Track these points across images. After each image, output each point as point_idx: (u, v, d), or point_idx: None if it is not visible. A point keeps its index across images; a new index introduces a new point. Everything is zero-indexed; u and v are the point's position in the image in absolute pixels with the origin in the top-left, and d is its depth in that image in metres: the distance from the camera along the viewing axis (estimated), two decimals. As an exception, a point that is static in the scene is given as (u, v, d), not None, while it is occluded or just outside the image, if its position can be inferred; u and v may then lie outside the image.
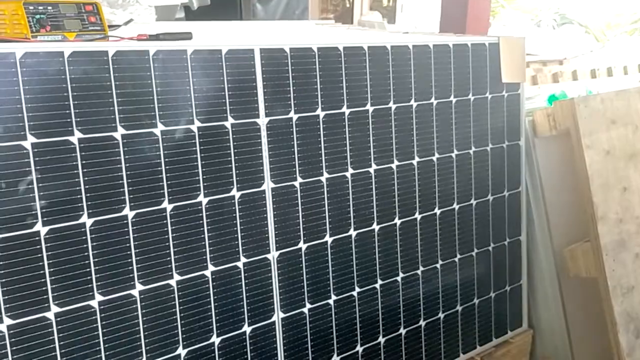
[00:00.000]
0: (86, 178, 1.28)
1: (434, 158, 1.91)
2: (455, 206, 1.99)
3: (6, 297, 1.21)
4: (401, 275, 1.88)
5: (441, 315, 2.00)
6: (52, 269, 1.26)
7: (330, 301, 1.73)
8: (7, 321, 1.22)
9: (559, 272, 2.24)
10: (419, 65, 1.84)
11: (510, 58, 2.10)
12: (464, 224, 2.03)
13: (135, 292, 1.37)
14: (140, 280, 1.38)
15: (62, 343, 1.28)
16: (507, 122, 2.11)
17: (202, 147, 1.44)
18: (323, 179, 1.67)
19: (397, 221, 1.84)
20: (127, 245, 1.35)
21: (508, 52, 2.08)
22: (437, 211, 1.94)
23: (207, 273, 1.49)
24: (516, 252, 2.20)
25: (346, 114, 1.69)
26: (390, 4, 7.32)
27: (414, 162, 1.86)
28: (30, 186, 1.21)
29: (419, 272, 1.93)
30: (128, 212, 1.34)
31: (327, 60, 1.64)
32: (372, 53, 1.73)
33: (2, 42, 1.22)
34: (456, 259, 2.02)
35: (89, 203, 1.29)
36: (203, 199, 1.46)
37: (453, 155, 1.96)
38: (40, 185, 1.22)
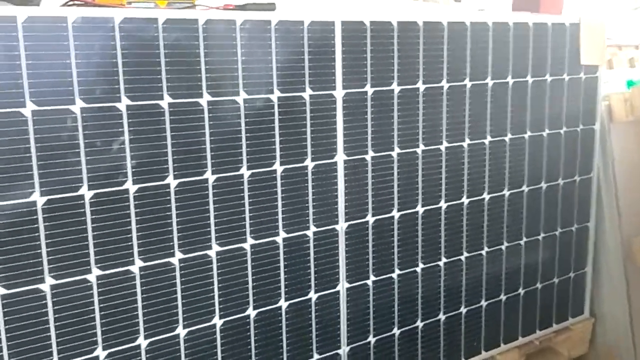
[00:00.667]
0: (173, 141, 1.33)
1: (506, 139, 1.88)
2: (525, 188, 1.97)
3: (97, 249, 1.29)
4: (465, 255, 1.88)
5: (503, 297, 2.00)
6: (138, 226, 1.33)
7: (394, 275, 1.75)
8: (96, 272, 1.30)
9: (625, 262, 2.19)
10: (497, 42, 1.81)
11: (590, 40, 2.03)
12: (533, 207, 2.00)
13: (212, 253, 1.44)
14: (218, 242, 1.44)
15: (144, 296, 1.36)
16: (583, 105, 2.06)
17: (280, 117, 1.48)
18: (394, 154, 1.68)
19: (465, 200, 1.84)
20: (207, 207, 1.41)
21: (588, 34, 2.02)
22: (506, 193, 1.93)
23: (279, 239, 1.53)
24: (583, 238, 2.16)
25: (421, 89, 1.69)
26: (455, -20, 7.15)
27: (486, 141, 1.85)
28: (122, 146, 1.28)
29: (483, 252, 1.92)
30: (210, 176, 1.40)
31: (405, 34, 1.64)
32: (451, 29, 1.72)
33: (100, 7, 1.28)
34: (522, 242, 2.00)
35: (175, 165, 1.35)
36: (278, 167, 1.50)
37: (526, 136, 1.93)
38: (132, 145, 1.29)
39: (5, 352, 1.21)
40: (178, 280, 1.40)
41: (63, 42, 1.18)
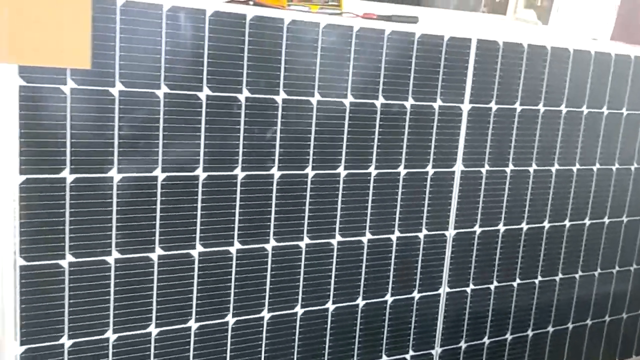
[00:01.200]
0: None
1: (594, 168, 1.92)
2: (606, 220, 1.99)
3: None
4: (560, 276, 1.93)
5: (589, 322, 2.03)
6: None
7: (492, 286, 1.81)
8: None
9: None
10: (601, 73, 1.85)
11: None
12: (612, 239, 2.03)
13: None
14: (340, 233, 1.55)
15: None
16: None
17: (410, 123, 1.57)
18: (508, 170, 1.75)
19: (546, 225, 1.88)
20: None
21: None
22: (587, 222, 1.96)
23: (393, 238, 1.63)
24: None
25: (541, 111, 1.75)
26: (542, 3, 7.08)
27: (574, 168, 1.88)
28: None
29: (576, 276, 1.96)
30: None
31: (533, 57, 1.70)
32: (575, 56, 1.77)
33: (263, 7, 1.40)
34: (596, 273, 2.03)
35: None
36: (402, 171, 1.59)
37: (613, 168, 1.96)
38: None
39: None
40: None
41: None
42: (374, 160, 1.55)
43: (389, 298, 1.67)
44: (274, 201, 1.46)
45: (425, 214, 1.67)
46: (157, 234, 1.35)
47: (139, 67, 1.26)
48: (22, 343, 1.25)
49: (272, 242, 1.47)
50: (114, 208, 1.29)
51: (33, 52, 1.15)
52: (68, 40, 1.17)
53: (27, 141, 1.19)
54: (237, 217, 1.43)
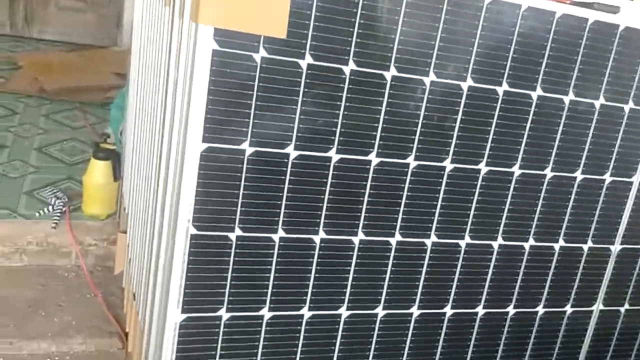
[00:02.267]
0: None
1: None
2: None
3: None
4: None
5: None
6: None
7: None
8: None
9: None
10: None
11: None
12: None
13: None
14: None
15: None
16: None
17: (598, 124, 1.43)
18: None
19: None
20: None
21: None
22: None
23: (556, 247, 1.51)
24: None
25: None
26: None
27: None
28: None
29: None
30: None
31: None
32: None
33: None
34: None
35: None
36: (577, 176, 1.46)
37: None
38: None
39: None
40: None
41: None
42: (550, 162, 1.42)
43: (540, 309, 1.55)
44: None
45: (594, 225, 1.52)
46: (323, 217, 1.29)
47: (331, 40, 1.18)
48: (183, 311, 1.24)
49: (432, 238, 1.39)
50: (286, 186, 1.24)
51: (230, 16, 1.09)
52: (266, 7, 1.11)
53: (212, 109, 1.14)
54: (401, 209, 1.35)
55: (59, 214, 2.36)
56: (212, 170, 1.17)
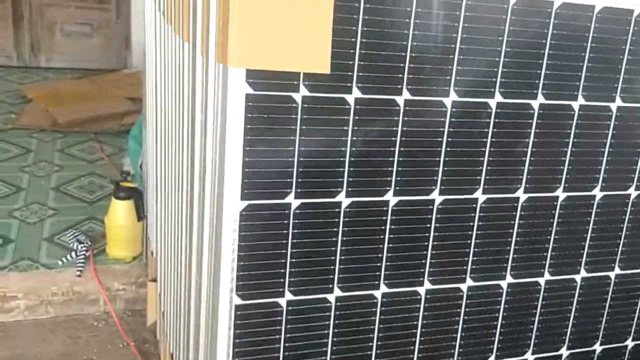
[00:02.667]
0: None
1: None
2: None
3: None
4: None
5: None
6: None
7: None
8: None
9: None
10: None
11: None
12: None
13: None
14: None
15: (504, 314, 1.23)
16: None
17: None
18: None
19: None
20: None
21: None
22: None
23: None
24: None
25: None
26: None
27: None
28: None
29: None
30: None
31: None
32: None
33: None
34: None
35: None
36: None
37: None
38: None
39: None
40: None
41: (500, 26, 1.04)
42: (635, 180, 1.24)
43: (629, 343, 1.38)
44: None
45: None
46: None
47: (382, 69, 1.01)
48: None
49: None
50: (339, 238, 1.07)
51: (264, 55, 0.93)
52: (305, 41, 0.95)
53: (250, 161, 0.98)
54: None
55: (82, 260, 2.22)
56: (254, 230, 1.01)
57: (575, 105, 1.14)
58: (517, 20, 1.05)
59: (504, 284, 1.21)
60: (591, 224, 1.23)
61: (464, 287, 1.18)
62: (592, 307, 1.30)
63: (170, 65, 1.49)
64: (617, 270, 1.29)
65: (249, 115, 0.95)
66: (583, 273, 1.26)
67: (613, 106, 1.17)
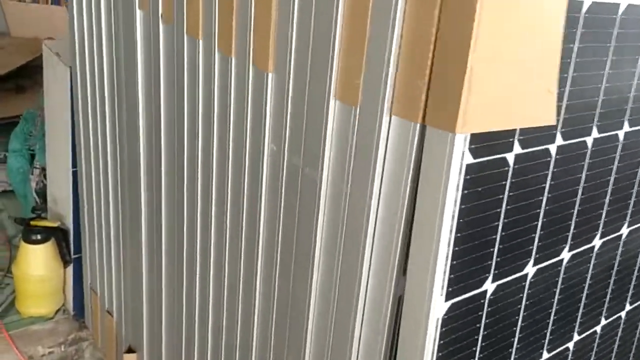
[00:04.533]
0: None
1: None
2: None
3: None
4: None
5: None
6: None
7: None
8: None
9: None
10: None
11: None
12: None
13: None
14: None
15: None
16: None
17: None
18: None
19: None
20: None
21: None
22: None
23: None
24: None
25: None
26: None
27: None
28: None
29: None
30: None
31: None
32: None
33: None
34: None
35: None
36: None
37: None
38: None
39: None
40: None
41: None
42: None
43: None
44: None
45: None
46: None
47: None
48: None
49: None
50: (519, 324, 0.88)
51: (493, 113, 0.67)
52: (534, 90, 0.70)
53: (460, 250, 0.73)
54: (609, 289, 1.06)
55: (-12, 329, 1.67)
56: (453, 334, 0.77)
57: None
58: None
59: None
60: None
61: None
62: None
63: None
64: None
65: (466, 192, 0.70)
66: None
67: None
